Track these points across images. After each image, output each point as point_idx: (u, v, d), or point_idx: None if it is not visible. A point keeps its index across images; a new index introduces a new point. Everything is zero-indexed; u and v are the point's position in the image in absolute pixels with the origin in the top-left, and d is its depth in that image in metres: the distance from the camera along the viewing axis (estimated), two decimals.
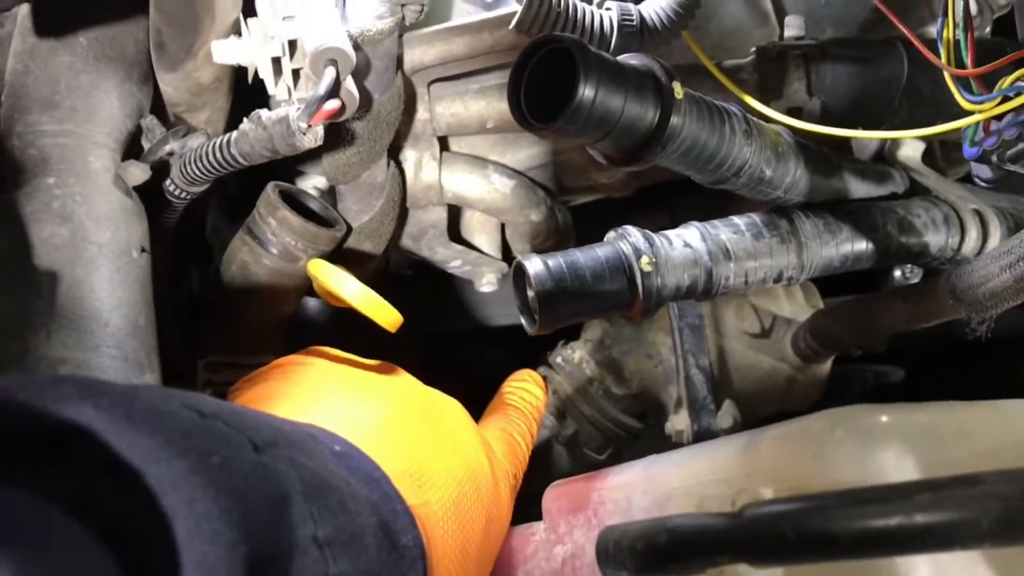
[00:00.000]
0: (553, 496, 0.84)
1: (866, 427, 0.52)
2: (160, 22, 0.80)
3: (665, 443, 1.14)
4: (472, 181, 0.98)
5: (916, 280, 1.06)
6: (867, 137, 0.80)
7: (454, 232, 1.11)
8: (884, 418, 0.53)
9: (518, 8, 0.81)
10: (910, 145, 0.97)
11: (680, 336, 1.11)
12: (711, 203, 1.10)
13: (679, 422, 1.10)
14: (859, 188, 0.88)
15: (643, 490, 0.70)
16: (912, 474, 0.50)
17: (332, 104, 0.74)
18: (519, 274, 0.79)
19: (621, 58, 0.67)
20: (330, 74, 0.73)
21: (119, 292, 0.74)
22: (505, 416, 0.95)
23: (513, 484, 0.87)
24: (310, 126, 0.73)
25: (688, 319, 1.11)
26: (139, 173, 0.79)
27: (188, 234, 1.00)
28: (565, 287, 0.76)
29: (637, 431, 1.17)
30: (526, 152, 1.03)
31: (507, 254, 1.17)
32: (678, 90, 0.66)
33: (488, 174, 0.99)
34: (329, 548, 0.48)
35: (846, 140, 0.96)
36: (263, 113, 0.75)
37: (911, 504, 0.45)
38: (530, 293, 0.77)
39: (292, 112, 0.73)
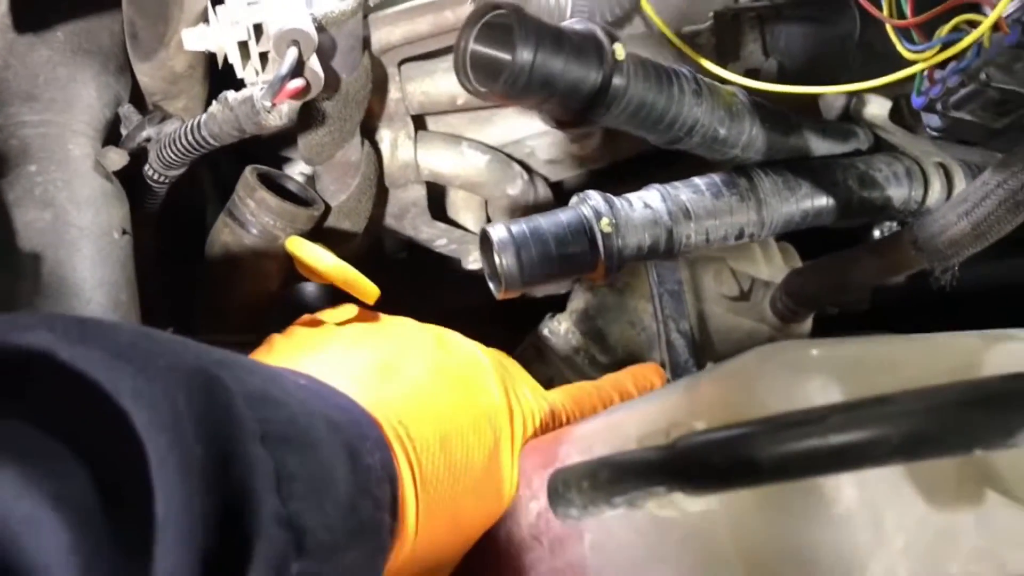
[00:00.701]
0: (526, 453, 0.86)
1: (795, 360, 0.55)
2: (132, 13, 0.84)
3: None
4: (446, 157, 1.01)
5: (894, 227, 1.07)
6: (812, 92, 0.81)
7: (439, 211, 1.14)
8: (813, 351, 0.55)
9: None
10: (876, 103, 0.98)
11: (660, 302, 1.13)
12: (691, 175, 1.13)
13: None
14: (820, 146, 0.90)
15: (603, 439, 0.72)
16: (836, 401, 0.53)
17: (296, 83, 0.77)
18: (485, 240, 0.82)
19: (564, 23, 0.70)
20: (292, 54, 0.76)
21: (101, 271, 0.77)
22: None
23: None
24: (274, 105, 0.76)
25: (667, 285, 1.13)
26: (117, 158, 0.83)
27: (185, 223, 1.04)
28: (529, 251, 0.79)
29: None
30: (501, 128, 1.06)
31: None
32: (619, 51, 0.68)
33: (462, 150, 1.01)
34: (275, 449, 0.48)
35: (813, 100, 0.98)
36: (229, 95, 0.78)
37: (826, 425, 0.48)
38: (495, 258, 0.80)
39: (256, 92, 0.76)
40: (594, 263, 0.80)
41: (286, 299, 0.99)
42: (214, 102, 0.80)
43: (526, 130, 1.06)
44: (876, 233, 1.09)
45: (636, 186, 1.29)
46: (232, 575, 0.46)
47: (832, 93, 0.86)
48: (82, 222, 0.78)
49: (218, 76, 0.93)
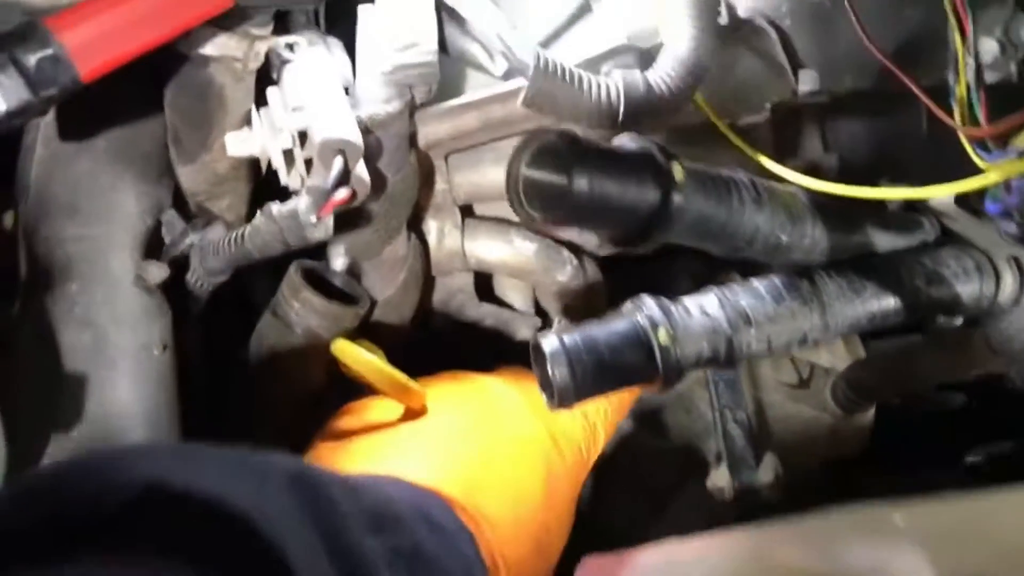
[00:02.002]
0: (585, 572, 0.83)
1: (880, 529, 0.51)
2: (174, 118, 0.83)
3: (707, 497, 1.13)
4: (494, 247, 0.98)
5: (957, 323, 1.03)
6: (882, 197, 0.78)
7: (486, 289, 1.11)
8: (898, 520, 0.51)
9: (524, 83, 0.81)
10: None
11: (716, 390, 1.10)
12: None
13: (719, 478, 1.08)
14: (884, 241, 0.86)
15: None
16: None
17: (342, 193, 0.75)
18: (537, 351, 0.79)
19: (616, 141, 0.67)
20: (338, 164, 0.74)
21: (141, 393, 0.76)
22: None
23: (584, 464, 0.92)
24: (320, 218, 0.74)
25: (723, 374, 1.10)
26: (159, 272, 0.81)
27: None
28: (583, 363, 0.76)
29: (675, 486, 1.16)
30: None
31: (540, 307, 1.17)
32: (678, 171, 0.65)
33: (511, 238, 0.99)
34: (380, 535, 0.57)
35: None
36: (274, 207, 0.76)
37: None
38: (547, 369, 0.77)
39: (301, 205, 0.74)
40: (651, 375, 0.77)
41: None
42: (259, 213, 0.78)
43: None
44: (940, 319, 1.05)
45: (679, 258, 1.26)
46: None
47: (901, 198, 0.82)
48: (122, 342, 0.77)
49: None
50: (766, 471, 1.07)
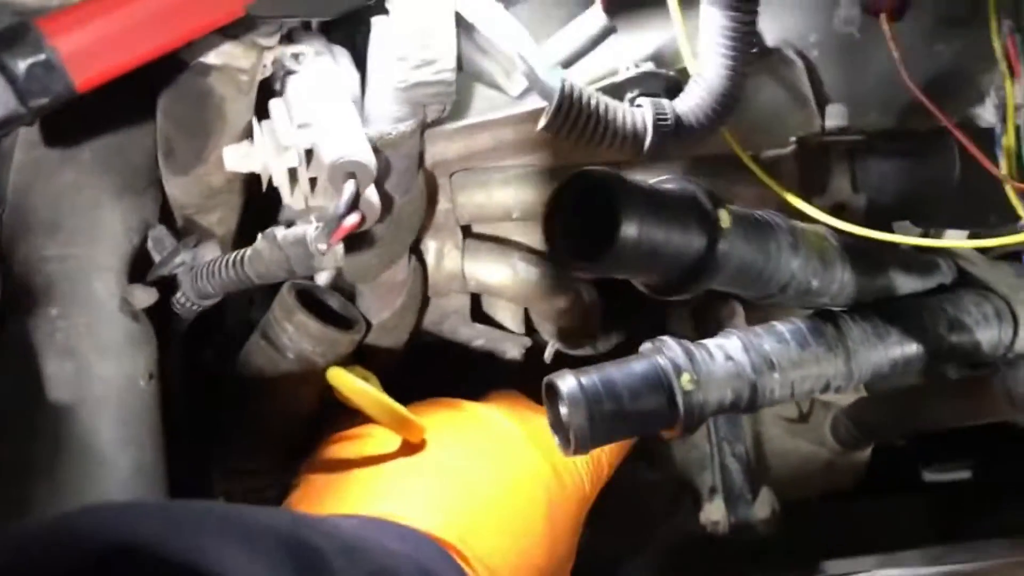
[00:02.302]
0: None
1: None
2: (168, 128, 0.77)
3: (699, 529, 1.10)
4: (496, 271, 0.94)
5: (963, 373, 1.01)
6: (925, 244, 0.75)
7: (475, 305, 1.07)
8: None
9: (543, 104, 0.76)
10: (956, 231, 0.92)
11: (715, 423, 1.07)
12: None
13: (714, 512, 1.06)
14: (906, 284, 0.83)
15: None
16: None
17: (352, 219, 0.70)
18: (551, 391, 0.75)
19: (657, 182, 0.63)
20: (350, 189, 0.69)
21: (126, 431, 0.71)
22: None
23: (586, 497, 0.89)
24: (330, 246, 0.69)
25: None
26: (145, 296, 0.75)
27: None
28: (601, 407, 0.71)
29: (666, 518, 1.13)
30: None
31: (530, 325, 1.13)
32: (724, 218, 0.62)
33: (514, 263, 0.94)
34: None
35: (889, 229, 0.92)
36: (279, 232, 0.71)
37: None
38: (563, 411, 0.73)
39: (310, 232, 0.69)
40: (671, 421, 0.73)
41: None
42: (260, 238, 0.72)
43: None
44: None
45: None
46: None
47: (944, 247, 0.79)
48: (106, 373, 0.71)
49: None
50: (762, 506, 1.05)
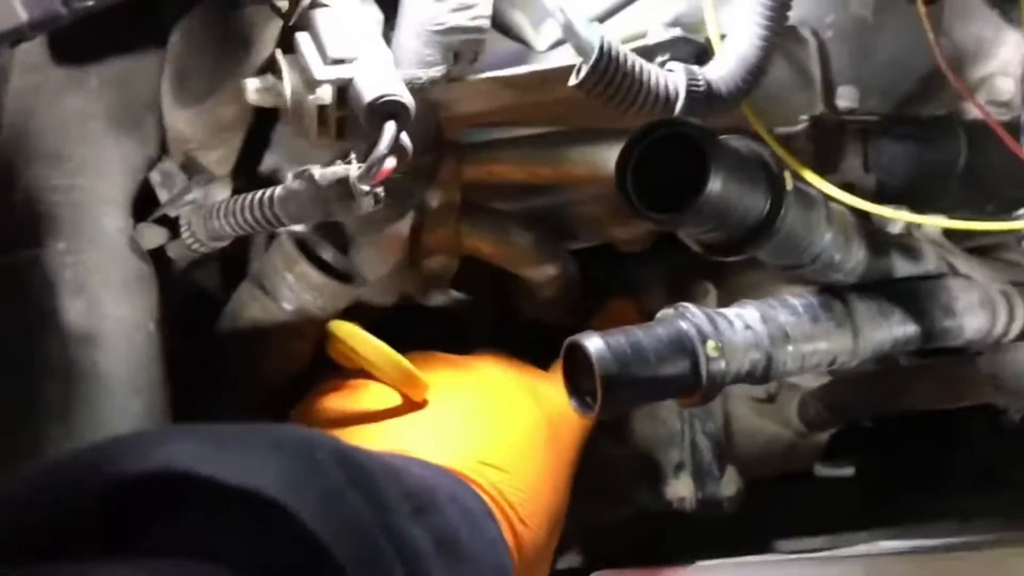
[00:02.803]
0: None
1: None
2: (187, 54, 0.72)
3: (657, 504, 1.11)
4: (491, 237, 0.93)
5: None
6: (941, 225, 0.78)
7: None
8: None
9: (569, 62, 0.75)
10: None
11: None
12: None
13: (681, 488, 1.07)
14: (903, 267, 0.85)
15: None
16: None
17: (391, 163, 0.67)
18: (573, 353, 0.74)
19: (725, 139, 0.63)
20: (391, 129, 0.66)
21: (137, 375, 0.67)
22: None
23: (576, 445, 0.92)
24: (372, 187, 0.66)
25: None
26: (156, 237, 0.71)
27: None
28: (629, 370, 0.70)
29: (626, 492, 1.13)
30: (543, 200, 0.98)
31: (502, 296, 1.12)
32: (788, 181, 0.62)
33: (508, 228, 0.93)
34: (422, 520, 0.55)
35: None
36: (316, 172, 0.67)
37: None
38: (592, 370, 0.72)
39: (353, 172, 0.65)
40: (692, 388, 0.73)
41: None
42: (291, 178, 0.69)
43: (569, 205, 0.99)
44: None
45: (647, 259, 1.24)
46: None
47: (961, 228, 0.81)
48: (118, 312, 0.67)
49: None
50: (728, 484, 1.06)
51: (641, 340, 0.72)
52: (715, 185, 0.56)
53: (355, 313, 0.91)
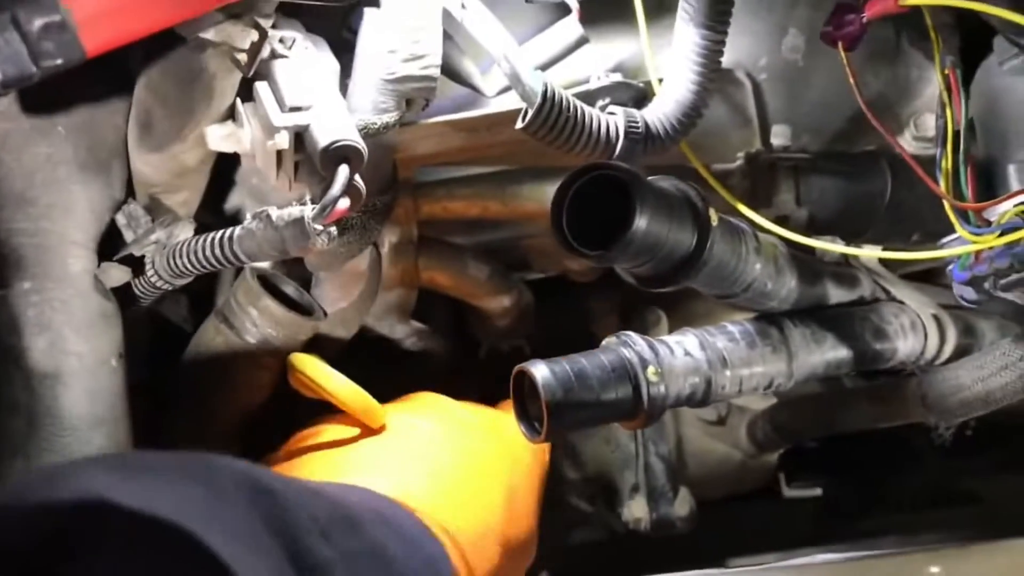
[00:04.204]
0: None
1: None
2: (151, 102, 0.76)
3: (613, 527, 1.15)
4: (448, 270, 0.97)
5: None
6: (867, 256, 0.83)
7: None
8: (934, 569, 0.54)
9: (516, 106, 0.80)
10: (870, 248, 1.00)
11: None
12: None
13: (637, 509, 1.11)
14: (836, 294, 0.90)
15: None
16: None
17: (344, 203, 0.71)
18: (519, 380, 0.78)
19: (653, 180, 0.67)
20: (344, 172, 0.71)
21: (99, 408, 0.70)
22: None
23: (541, 475, 0.93)
24: (325, 227, 0.70)
25: None
26: (120, 275, 0.75)
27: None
28: (572, 396, 0.75)
29: (587, 515, 1.17)
30: (496, 234, 1.02)
31: (459, 327, 1.16)
32: (713, 217, 0.67)
33: (466, 262, 0.97)
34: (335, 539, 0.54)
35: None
36: (273, 212, 0.71)
37: None
38: (536, 400, 0.76)
39: (307, 212, 0.70)
40: (635, 411, 0.77)
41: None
42: (250, 218, 0.73)
43: (521, 238, 1.03)
44: None
45: (602, 289, 1.28)
46: None
47: (885, 258, 0.86)
48: (80, 349, 0.70)
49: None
50: (682, 504, 1.10)
51: (585, 367, 0.77)
52: (641, 222, 0.61)
53: (320, 345, 0.94)
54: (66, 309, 0.71)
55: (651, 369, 0.78)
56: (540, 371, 0.76)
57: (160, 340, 0.91)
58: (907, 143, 0.94)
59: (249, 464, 0.53)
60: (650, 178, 0.69)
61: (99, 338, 0.72)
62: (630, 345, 0.79)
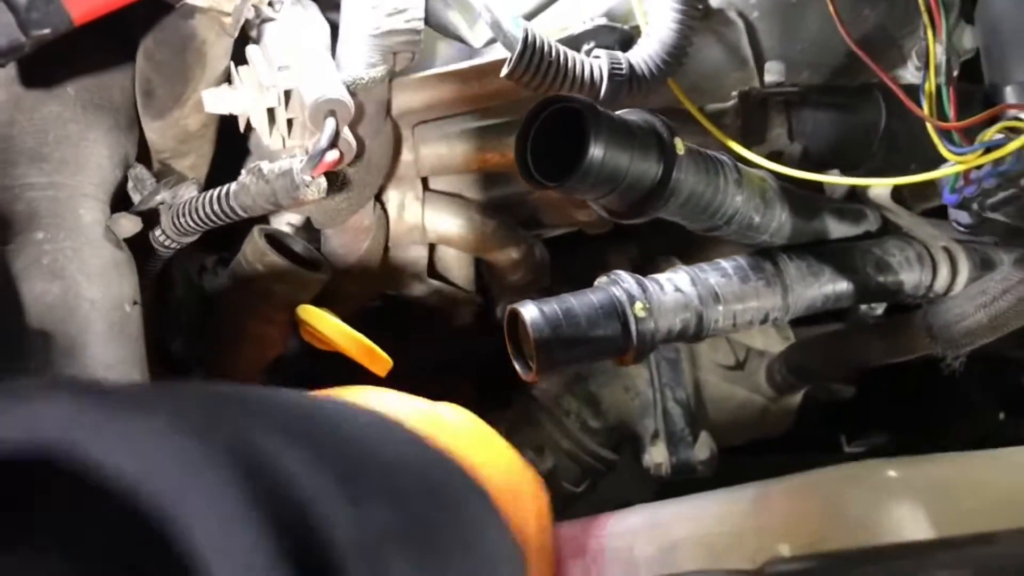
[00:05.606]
0: (559, 538, 0.84)
1: (877, 484, 0.54)
2: (149, 70, 0.80)
3: (641, 474, 1.16)
4: (455, 223, 0.99)
5: (879, 312, 1.09)
6: (853, 184, 0.83)
7: (431, 267, 1.11)
8: (892, 473, 0.55)
9: (506, 55, 0.82)
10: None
11: (657, 369, 1.13)
12: (678, 235, 1.13)
13: (657, 455, 1.12)
14: (837, 229, 0.90)
15: (647, 539, 0.71)
16: (926, 530, 0.52)
17: (333, 155, 0.74)
18: (513, 320, 0.80)
19: (621, 114, 0.69)
20: (331, 125, 0.74)
21: (113, 350, 0.73)
22: None
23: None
24: (313, 178, 0.73)
25: (665, 353, 1.14)
26: (130, 225, 0.78)
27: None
28: (561, 333, 0.77)
29: (613, 463, 1.18)
30: (505, 189, 1.04)
31: (479, 285, 1.18)
32: (679, 146, 0.68)
33: (471, 215, 0.99)
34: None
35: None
36: (264, 166, 0.75)
37: (931, 563, 0.47)
38: (529, 337, 0.78)
39: (296, 164, 0.73)
40: (625, 347, 0.79)
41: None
42: (244, 172, 0.76)
43: (530, 191, 1.05)
44: (863, 307, 1.11)
45: (619, 243, 1.30)
46: None
47: (877, 185, 0.86)
48: (93, 295, 0.74)
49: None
50: (702, 448, 1.11)
51: (573, 306, 0.79)
52: (596, 151, 0.63)
53: (336, 302, 0.98)
54: (79, 257, 0.75)
55: (639, 305, 0.79)
56: (529, 311, 0.78)
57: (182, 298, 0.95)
58: (909, 73, 0.93)
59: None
60: (618, 112, 0.70)
61: (112, 285, 0.76)
62: (618, 283, 0.81)
